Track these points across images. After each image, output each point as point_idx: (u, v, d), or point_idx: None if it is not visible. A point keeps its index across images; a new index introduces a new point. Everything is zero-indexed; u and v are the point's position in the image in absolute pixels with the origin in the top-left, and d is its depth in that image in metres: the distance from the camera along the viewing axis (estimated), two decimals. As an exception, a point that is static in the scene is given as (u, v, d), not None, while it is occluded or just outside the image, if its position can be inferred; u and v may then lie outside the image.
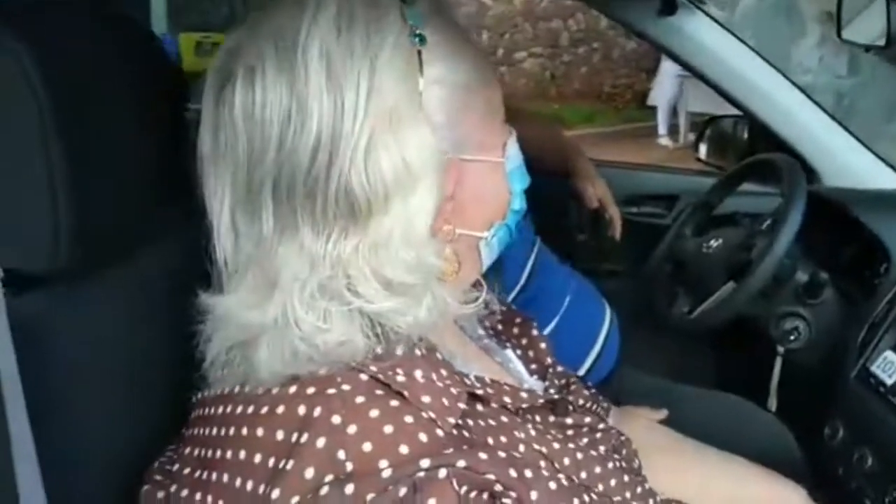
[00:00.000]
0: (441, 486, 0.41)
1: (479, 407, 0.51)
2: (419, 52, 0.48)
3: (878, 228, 1.10)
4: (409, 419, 0.44)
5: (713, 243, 1.22)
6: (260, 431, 0.44)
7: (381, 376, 0.45)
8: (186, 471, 0.47)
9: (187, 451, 0.49)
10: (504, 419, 0.51)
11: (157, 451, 0.53)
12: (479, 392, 0.50)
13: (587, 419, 0.62)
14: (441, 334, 0.54)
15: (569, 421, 0.60)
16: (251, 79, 0.45)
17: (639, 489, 0.61)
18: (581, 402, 0.64)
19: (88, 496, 0.51)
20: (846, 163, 1.41)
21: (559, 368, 0.70)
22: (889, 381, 0.94)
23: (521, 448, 0.50)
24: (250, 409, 0.45)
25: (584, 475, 0.54)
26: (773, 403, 1.15)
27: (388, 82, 0.46)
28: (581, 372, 1.17)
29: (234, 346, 0.47)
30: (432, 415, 0.44)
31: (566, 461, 0.53)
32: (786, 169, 1.13)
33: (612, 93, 7.10)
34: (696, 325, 1.14)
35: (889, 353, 0.97)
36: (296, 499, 0.40)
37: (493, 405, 0.52)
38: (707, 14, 1.34)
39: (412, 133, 0.46)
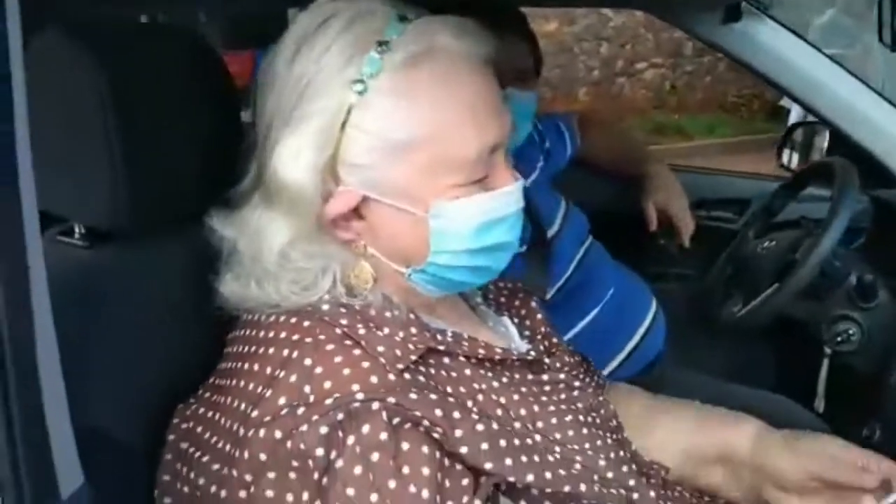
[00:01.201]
0: (373, 416, 0.51)
1: (446, 360, 0.60)
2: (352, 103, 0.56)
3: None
4: (365, 364, 0.54)
5: (767, 244, 1.23)
6: (256, 367, 0.57)
7: (347, 330, 0.56)
8: (206, 395, 0.61)
9: (210, 380, 0.62)
10: (467, 371, 0.61)
11: (182, 394, 0.64)
12: (441, 347, 0.60)
13: (562, 376, 0.70)
14: (427, 300, 0.65)
15: (544, 378, 0.68)
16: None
17: (611, 446, 0.67)
18: (559, 364, 0.72)
19: (116, 432, 0.61)
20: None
21: (555, 339, 0.78)
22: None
23: (480, 396, 0.59)
24: (253, 349, 0.58)
25: (540, 424, 0.62)
26: (820, 405, 1.15)
27: (317, 103, 0.57)
28: (616, 361, 1.23)
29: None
30: (383, 361, 0.55)
31: (522, 411, 0.61)
32: (839, 171, 1.14)
33: (737, 102, 6.81)
34: (742, 324, 1.17)
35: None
36: (267, 417, 0.52)
37: (461, 358, 0.61)
38: (773, 19, 1.35)
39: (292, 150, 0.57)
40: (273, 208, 0.59)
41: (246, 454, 0.52)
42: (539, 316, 0.78)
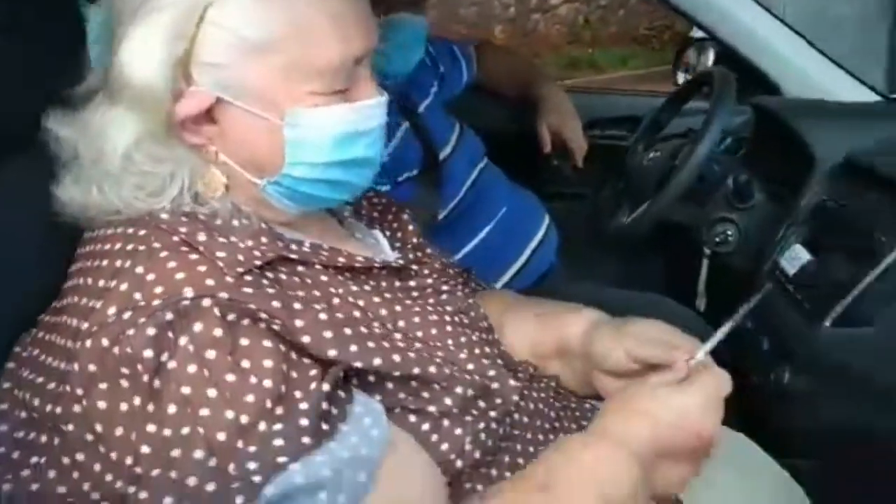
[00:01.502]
0: (204, 313, 0.50)
1: (300, 268, 0.60)
2: None
3: (805, 132, 1.12)
4: (201, 268, 0.53)
5: (652, 155, 1.27)
6: (90, 281, 0.55)
7: (185, 237, 0.55)
8: (46, 318, 0.59)
9: (52, 304, 0.59)
10: (324, 278, 0.61)
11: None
12: (294, 256, 0.59)
13: (429, 281, 0.71)
14: (286, 217, 0.64)
15: (412, 283, 0.70)
16: None
17: (477, 343, 0.69)
18: (427, 271, 0.73)
19: None
20: (809, 77, 1.42)
21: (428, 250, 0.79)
22: (791, 272, 0.99)
23: (335, 300, 0.60)
24: (90, 264, 0.56)
25: (401, 323, 0.63)
26: (701, 303, 1.21)
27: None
28: (510, 273, 1.26)
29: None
30: (221, 265, 0.53)
31: (383, 311, 0.62)
32: (717, 79, 1.17)
33: (648, 35, 6.92)
34: (628, 232, 1.20)
35: (797, 247, 1.02)
36: (95, 328, 0.50)
37: (318, 267, 0.61)
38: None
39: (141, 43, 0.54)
40: (117, 106, 0.56)
41: (76, 367, 0.50)
42: (410, 228, 0.79)
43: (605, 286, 1.29)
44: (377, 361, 0.56)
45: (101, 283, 0.53)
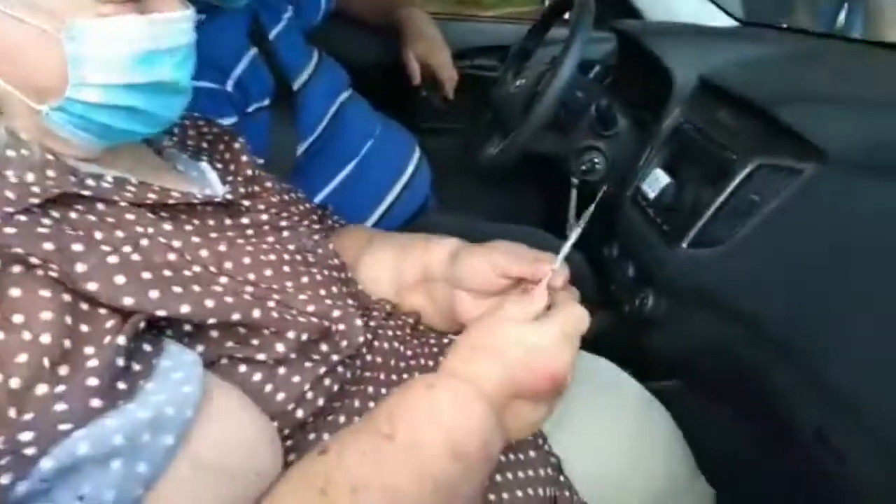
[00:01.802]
0: None
1: (100, 206, 0.52)
2: None
3: (663, 55, 1.11)
4: None
5: (518, 83, 1.23)
6: None
7: None
8: None
9: None
10: (130, 216, 0.53)
11: None
12: (87, 192, 0.52)
13: (264, 217, 0.64)
14: (86, 150, 0.55)
15: (244, 221, 0.63)
16: None
17: (322, 282, 0.63)
18: (263, 206, 0.66)
19: None
20: (671, 3, 1.42)
21: (268, 183, 0.72)
22: (651, 196, 0.99)
23: (144, 242, 0.52)
24: None
25: (228, 265, 0.56)
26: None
27: None
28: (379, 211, 1.20)
29: None
30: None
31: (203, 253, 0.55)
32: (576, 4, 1.13)
33: (532, -28, 6.90)
34: (497, 163, 1.16)
35: (657, 171, 1.02)
36: None
37: (122, 204, 0.54)
38: None
39: None
40: None
41: None
42: (244, 158, 0.71)
43: (478, 220, 1.26)
44: (185, 308, 0.49)
45: None
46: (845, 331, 0.73)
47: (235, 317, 0.52)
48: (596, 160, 1.16)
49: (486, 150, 1.23)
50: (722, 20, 1.38)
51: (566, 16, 1.36)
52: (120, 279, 0.47)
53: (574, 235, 0.66)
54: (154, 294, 0.48)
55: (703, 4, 1.40)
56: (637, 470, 0.80)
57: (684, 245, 0.86)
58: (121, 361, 0.45)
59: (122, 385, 0.44)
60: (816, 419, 0.76)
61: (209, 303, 0.51)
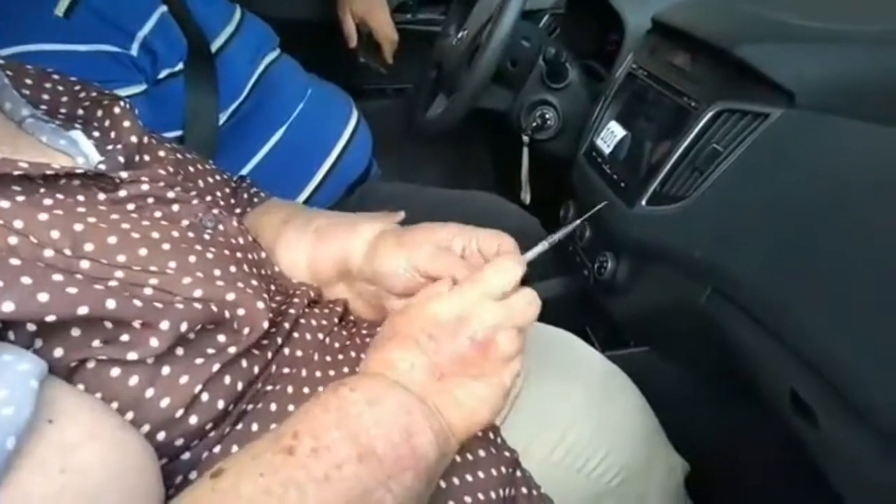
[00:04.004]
0: None
1: None
2: None
3: (617, 2, 1.04)
4: None
5: (461, 35, 1.14)
6: None
7: None
8: None
9: None
10: None
11: None
12: None
13: (145, 188, 0.54)
14: None
15: (121, 194, 0.53)
16: None
17: (215, 262, 0.53)
18: (146, 177, 0.56)
19: None
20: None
21: (161, 152, 0.62)
22: (607, 151, 0.92)
23: None
24: None
25: (89, 247, 0.47)
26: (525, 196, 1.13)
27: None
28: (314, 181, 1.11)
29: None
30: None
31: (55, 234, 0.46)
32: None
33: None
34: (443, 124, 1.08)
35: (612, 124, 0.94)
36: None
37: None
38: None
39: None
40: None
41: None
42: (126, 123, 0.60)
43: (426, 187, 1.17)
44: (8, 307, 0.40)
45: None
46: (819, 287, 0.68)
47: (82, 311, 0.42)
48: (547, 115, 1.09)
49: (430, 111, 1.15)
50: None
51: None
52: None
53: (541, 247, 0.57)
54: None
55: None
56: (603, 445, 0.74)
57: (643, 203, 0.79)
58: None
59: None
60: (789, 382, 0.71)
61: (42, 297, 0.41)
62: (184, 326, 0.45)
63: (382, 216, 0.68)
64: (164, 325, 0.45)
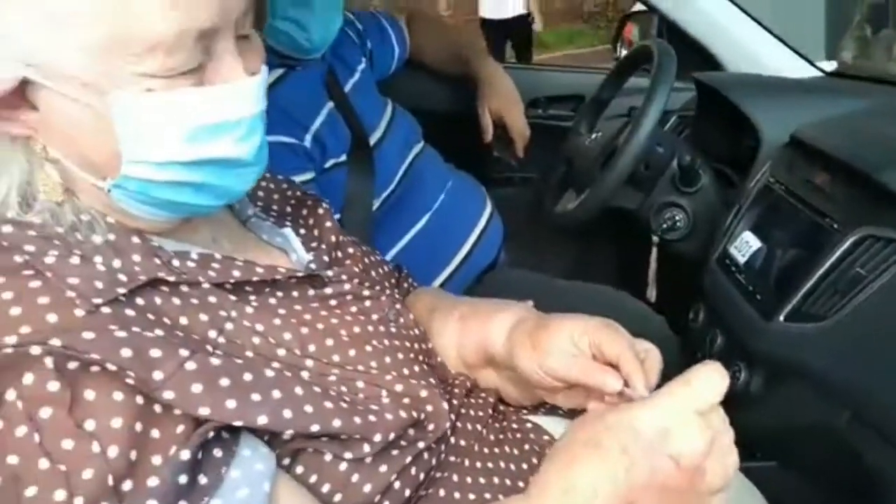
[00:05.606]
0: (35, 363, 0.41)
1: (184, 288, 0.50)
2: None
3: (750, 110, 1.07)
4: (43, 300, 0.43)
5: (594, 136, 1.20)
6: None
7: (30, 258, 0.45)
8: None
9: None
10: (213, 299, 0.51)
11: None
12: (172, 278, 0.49)
13: (346, 287, 0.62)
14: (163, 223, 0.53)
15: (328, 291, 0.60)
16: None
17: (404, 358, 0.60)
18: (345, 276, 0.63)
19: None
20: (752, 52, 1.37)
21: (350, 249, 0.70)
22: (741, 261, 0.94)
23: (229, 326, 0.50)
24: None
25: (312, 348, 0.54)
26: (651, 294, 1.15)
27: None
28: (450, 268, 1.18)
29: None
30: (73, 295, 0.44)
31: (287, 335, 0.53)
32: (656, 53, 1.10)
33: (594, 12, 6.91)
34: (573, 219, 1.13)
35: (747, 234, 0.97)
36: None
37: (205, 285, 0.51)
38: None
39: None
40: None
41: None
42: (328, 224, 0.69)
43: (553, 278, 1.22)
44: (262, 420, 0.46)
45: None
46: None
47: (314, 428, 0.49)
48: (677, 217, 1.12)
49: (562, 205, 1.21)
50: (805, 71, 1.32)
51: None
52: (197, 388, 0.44)
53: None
54: (231, 404, 0.45)
55: (785, 54, 1.35)
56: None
57: (781, 318, 0.80)
58: (183, 479, 0.42)
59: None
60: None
61: (287, 413, 0.48)
62: (391, 437, 0.52)
63: (516, 304, 0.70)
64: (377, 437, 0.51)
